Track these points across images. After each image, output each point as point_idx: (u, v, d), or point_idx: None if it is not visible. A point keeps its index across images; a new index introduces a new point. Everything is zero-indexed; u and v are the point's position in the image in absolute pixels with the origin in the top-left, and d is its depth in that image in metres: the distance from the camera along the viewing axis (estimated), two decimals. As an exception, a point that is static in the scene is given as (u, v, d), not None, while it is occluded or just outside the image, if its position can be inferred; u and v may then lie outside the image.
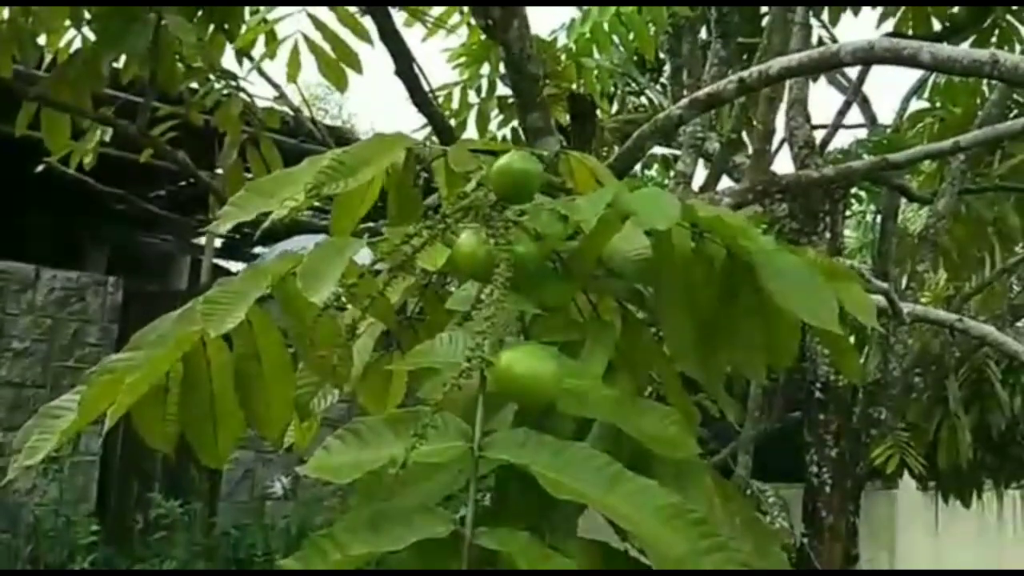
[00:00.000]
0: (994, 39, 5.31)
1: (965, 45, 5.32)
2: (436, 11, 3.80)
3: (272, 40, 3.23)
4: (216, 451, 1.12)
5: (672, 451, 0.99)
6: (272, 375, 1.09)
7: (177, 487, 6.72)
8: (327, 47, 2.93)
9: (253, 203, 1.19)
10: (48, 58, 3.42)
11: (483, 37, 3.94)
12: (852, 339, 5.36)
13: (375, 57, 2.88)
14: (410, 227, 0.95)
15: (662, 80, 6.51)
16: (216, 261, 9.58)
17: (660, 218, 0.97)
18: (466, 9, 3.73)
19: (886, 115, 6.98)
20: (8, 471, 1.00)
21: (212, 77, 3.72)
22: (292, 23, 3.01)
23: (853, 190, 6.45)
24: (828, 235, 5.09)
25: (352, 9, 2.73)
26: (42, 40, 3.28)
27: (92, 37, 3.15)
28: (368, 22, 2.67)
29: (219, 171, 4.12)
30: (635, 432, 0.97)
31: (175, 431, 1.10)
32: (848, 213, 7.37)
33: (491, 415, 0.88)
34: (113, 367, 0.97)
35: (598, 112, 4.39)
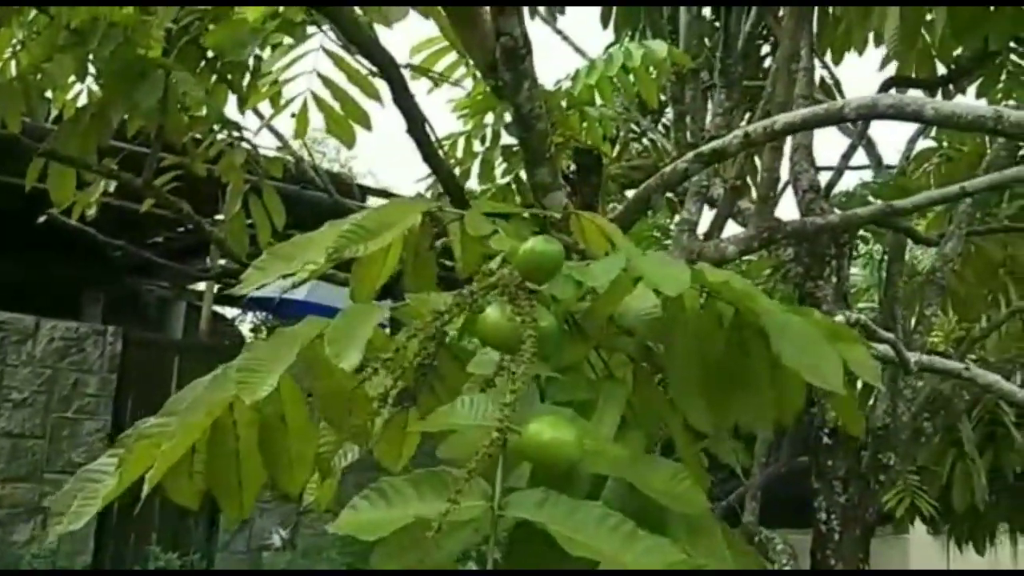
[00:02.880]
0: (1002, 80, 5.33)
1: (972, 89, 5.35)
2: (440, 65, 3.86)
3: (277, 100, 3.27)
4: (240, 505, 1.16)
5: (683, 507, 1.02)
6: (296, 434, 1.13)
7: (174, 538, 6.72)
8: (336, 105, 2.96)
9: (275, 266, 1.23)
10: (54, 112, 3.44)
11: (487, 89, 4.01)
12: (860, 384, 5.36)
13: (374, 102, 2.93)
14: (440, 302, 1.00)
15: (663, 122, 6.58)
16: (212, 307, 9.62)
17: (670, 285, 1.02)
18: (471, 62, 3.79)
19: (891, 152, 7.02)
20: (27, 530, 1.02)
21: (215, 127, 3.77)
22: (302, 82, 3.05)
23: (859, 232, 6.48)
24: (834, 278, 5.12)
25: (363, 70, 2.79)
26: (49, 94, 3.32)
27: (97, 90, 3.21)
28: (378, 81, 2.73)
29: (219, 218, 4.13)
30: (648, 489, 1.00)
31: (201, 488, 1.14)
32: (855, 253, 7.39)
33: (507, 473, 0.92)
34: (149, 432, 1.01)
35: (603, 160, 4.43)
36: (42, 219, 4.00)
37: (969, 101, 5.26)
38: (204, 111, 3.53)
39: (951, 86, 5.36)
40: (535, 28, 5.57)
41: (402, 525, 0.83)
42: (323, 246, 1.19)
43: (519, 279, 1.04)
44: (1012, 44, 5.13)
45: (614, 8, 5.75)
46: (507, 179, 4.63)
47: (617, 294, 1.12)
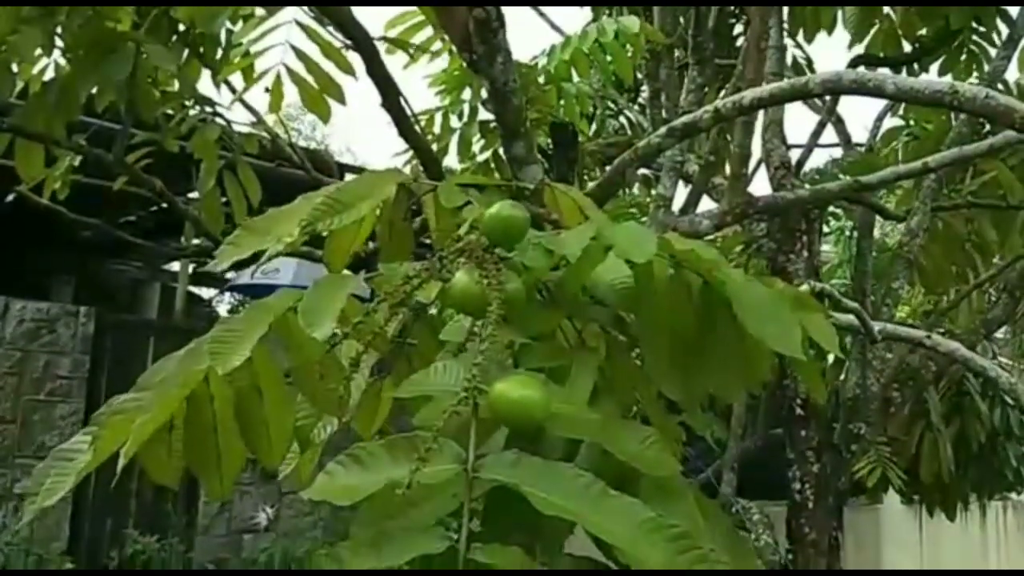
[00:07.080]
0: (963, 59, 5.45)
1: (935, 67, 5.47)
2: (418, 39, 3.85)
3: (250, 74, 3.23)
4: (220, 480, 1.17)
5: (654, 469, 1.04)
6: (273, 408, 1.14)
7: (152, 522, 6.67)
8: (310, 79, 2.94)
9: (249, 241, 1.23)
10: (19, 86, 3.34)
11: (464, 64, 4.00)
12: (832, 357, 5.43)
13: (348, 77, 2.91)
14: (409, 268, 1.02)
15: (640, 100, 6.60)
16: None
17: (638, 252, 1.04)
18: (447, 37, 3.78)
19: (860, 131, 7.09)
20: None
21: (188, 103, 3.71)
22: (275, 55, 3.02)
23: (830, 208, 6.54)
24: (806, 253, 5.18)
25: (336, 43, 2.78)
26: (15, 68, 3.25)
27: (64, 64, 3.14)
28: (351, 55, 2.72)
29: (193, 196, 4.08)
30: (619, 452, 1.03)
31: (180, 466, 1.15)
32: (827, 229, 7.46)
33: (481, 439, 0.94)
34: (123, 408, 1.01)
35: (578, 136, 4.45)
36: (10, 197, 3.94)
37: (930, 78, 5.36)
38: (176, 86, 3.49)
39: (915, 65, 5.47)
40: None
41: (376, 490, 0.85)
42: (297, 219, 1.20)
43: (486, 244, 1.06)
44: (972, 25, 5.26)
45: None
46: (485, 155, 4.64)
47: (588, 263, 1.14)
